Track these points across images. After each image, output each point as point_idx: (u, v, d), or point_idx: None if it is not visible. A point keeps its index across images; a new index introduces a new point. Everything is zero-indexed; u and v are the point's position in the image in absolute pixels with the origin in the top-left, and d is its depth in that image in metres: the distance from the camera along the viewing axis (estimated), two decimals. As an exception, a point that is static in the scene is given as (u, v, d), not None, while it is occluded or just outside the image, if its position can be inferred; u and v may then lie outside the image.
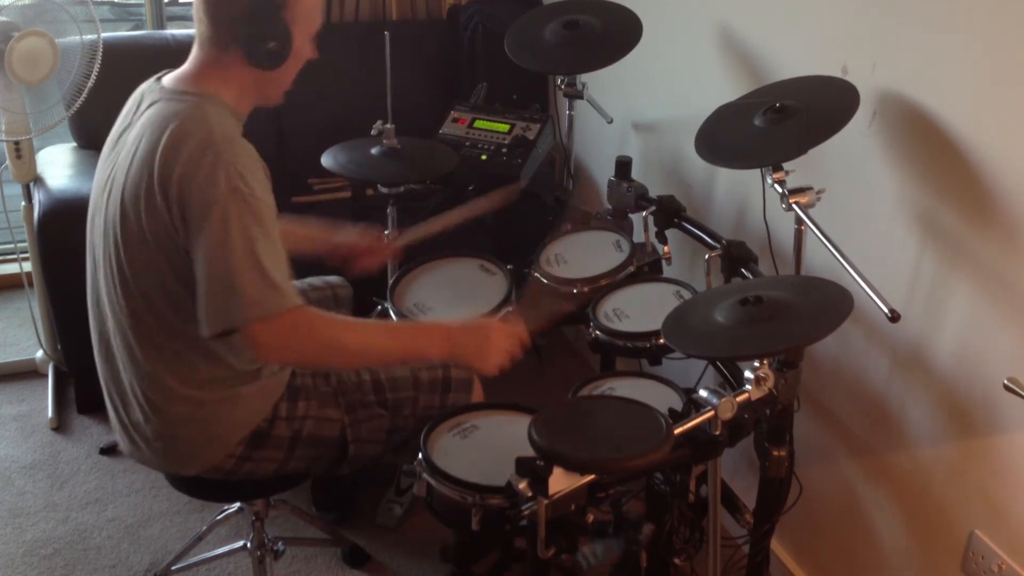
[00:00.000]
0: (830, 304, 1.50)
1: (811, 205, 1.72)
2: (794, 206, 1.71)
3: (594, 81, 2.57)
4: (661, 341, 1.92)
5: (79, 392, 2.88)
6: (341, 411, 1.85)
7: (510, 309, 2.08)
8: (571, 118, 2.62)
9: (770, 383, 1.56)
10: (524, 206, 2.82)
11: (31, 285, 2.95)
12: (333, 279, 2.22)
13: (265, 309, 1.57)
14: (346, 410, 1.85)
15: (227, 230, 1.55)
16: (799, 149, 1.70)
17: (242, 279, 1.55)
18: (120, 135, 1.73)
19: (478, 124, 2.76)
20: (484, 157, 2.66)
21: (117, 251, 1.66)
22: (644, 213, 2.21)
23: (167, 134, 1.60)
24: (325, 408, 1.85)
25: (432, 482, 1.67)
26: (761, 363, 1.54)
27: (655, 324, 1.67)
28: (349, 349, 1.70)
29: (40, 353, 3.03)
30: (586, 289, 2.17)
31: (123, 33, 3.77)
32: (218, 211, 1.55)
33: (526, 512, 1.49)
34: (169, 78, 1.73)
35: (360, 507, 2.49)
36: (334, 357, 1.73)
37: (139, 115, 1.70)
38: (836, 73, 1.85)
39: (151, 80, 1.77)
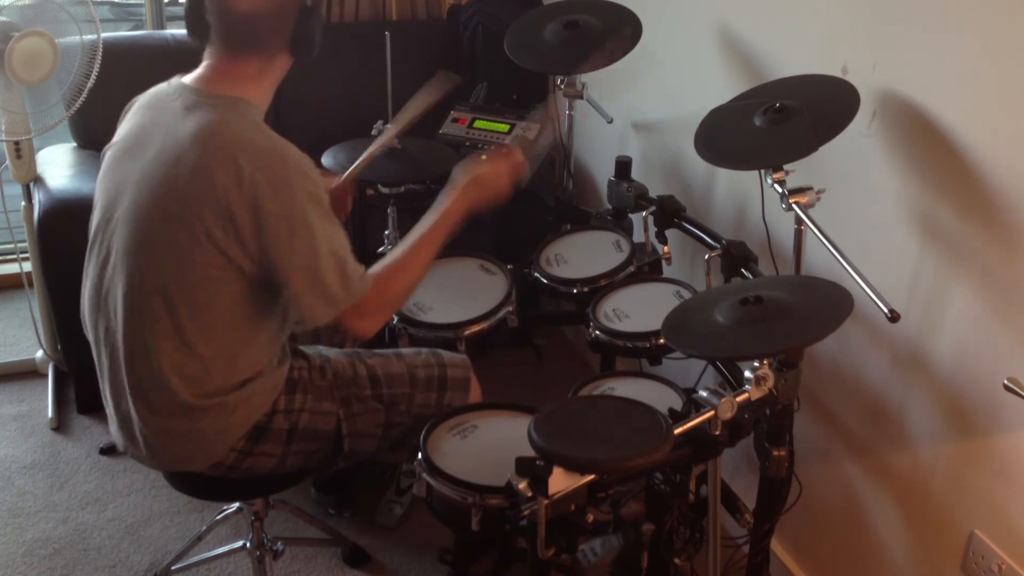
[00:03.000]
0: (830, 304, 1.50)
1: (811, 205, 1.72)
2: (794, 206, 1.71)
3: (594, 81, 2.57)
4: (661, 341, 1.93)
5: (79, 392, 2.88)
6: (336, 404, 1.86)
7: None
8: (571, 118, 2.63)
9: (770, 383, 1.56)
10: (524, 206, 2.82)
11: (31, 285, 2.95)
12: None
13: (351, 300, 1.69)
14: (341, 404, 1.86)
15: (312, 234, 1.63)
16: (807, 149, 1.70)
17: (329, 279, 1.66)
18: (144, 136, 1.72)
19: (478, 124, 2.76)
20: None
21: (147, 254, 1.66)
22: (644, 213, 2.21)
23: (219, 142, 1.62)
24: (321, 401, 1.85)
25: (432, 482, 1.67)
26: (761, 363, 1.54)
27: (655, 324, 1.67)
28: (411, 284, 1.84)
29: (40, 353, 3.03)
30: (586, 289, 2.18)
31: (123, 33, 3.77)
32: (300, 216, 1.62)
33: (526, 512, 1.49)
34: (195, 79, 1.72)
35: (360, 507, 2.49)
36: (408, 296, 1.91)
37: (167, 116, 1.69)
38: (836, 73, 1.85)
39: (171, 81, 1.76)
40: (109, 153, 1.80)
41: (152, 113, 1.74)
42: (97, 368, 1.82)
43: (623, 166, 2.37)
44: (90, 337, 1.82)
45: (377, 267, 1.79)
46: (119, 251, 1.70)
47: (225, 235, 1.62)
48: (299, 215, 1.62)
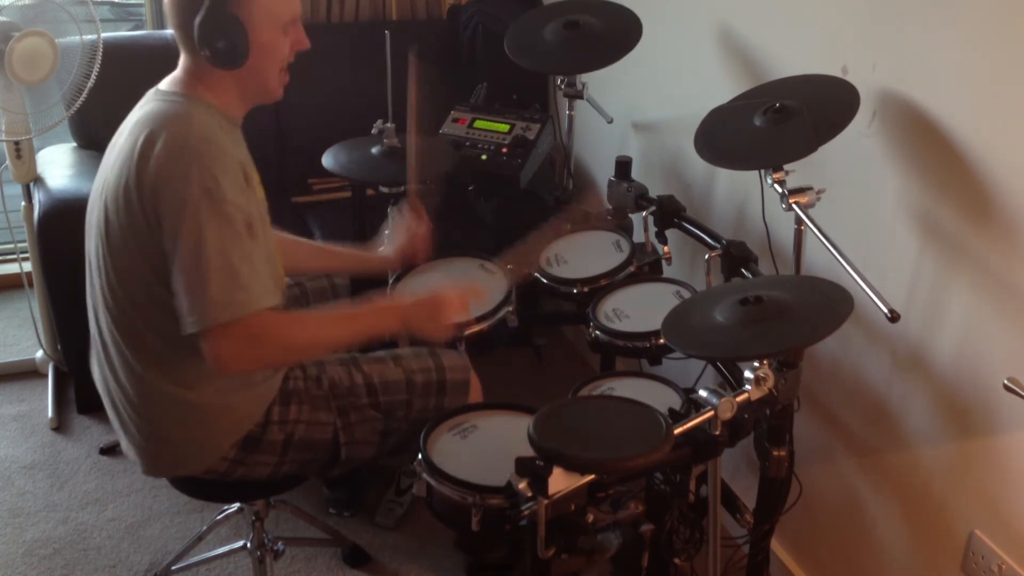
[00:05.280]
0: (830, 304, 1.50)
1: (811, 205, 1.72)
2: (794, 206, 1.71)
3: (594, 81, 2.57)
4: (661, 341, 1.92)
5: (79, 392, 2.88)
6: (333, 414, 1.85)
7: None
8: (571, 118, 2.62)
9: (770, 383, 1.56)
10: (524, 206, 2.82)
11: (31, 285, 2.95)
12: None
13: (230, 312, 1.56)
14: (338, 413, 1.85)
15: (199, 231, 1.55)
16: (807, 148, 1.70)
17: (210, 281, 1.55)
18: (110, 146, 1.74)
19: (478, 124, 2.76)
20: (484, 157, 2.66)
21: (105, 253, 1.67)
22: (644, 213, 2.21)
23: (147, 133, 1.61)
24: (317, 412, 1.85)
25: (432, 482, 1.67)
26: (761, 363, 1.54)
27: (655, 324, 1.67)
28: (303, 346, 1.75)
29: (40, 353, 3.03)
30: (586, 289, 2.17)
31: (123, 33, 3.77)
32: (191, 211, 1.55)
33: (526, 512, 1.49)
34: (165, 81, 1.74)
35: (360, 507, 2.49)
36: (292, 356, 1.79)
37: (128, 121, 1.71)
38: (836, 73, 1.85)
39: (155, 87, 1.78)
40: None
41: (126, 122, 1.75)
42: (93, 372, 1.83)
43: (623, 166, 2.37)
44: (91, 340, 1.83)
45: (280, 312, 1.71)
46: (93, 265, 1.72)
47: (153, 227, 1.60)
48: (191, 207, 1.55)
